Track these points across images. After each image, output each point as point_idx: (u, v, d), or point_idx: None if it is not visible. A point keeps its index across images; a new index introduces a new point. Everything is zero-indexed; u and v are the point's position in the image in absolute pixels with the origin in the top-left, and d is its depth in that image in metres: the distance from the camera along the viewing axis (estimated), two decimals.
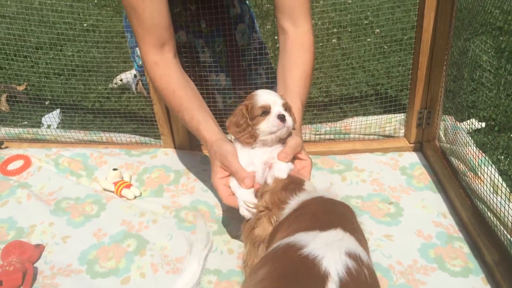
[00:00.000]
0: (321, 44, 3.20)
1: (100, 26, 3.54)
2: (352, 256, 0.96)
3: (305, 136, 2.13)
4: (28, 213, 1.75)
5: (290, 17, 1.65)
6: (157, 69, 1.55)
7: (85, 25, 3.55)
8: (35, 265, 1.53)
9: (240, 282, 1.44)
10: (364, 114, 2.20)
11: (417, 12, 1.84)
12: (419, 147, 2.04)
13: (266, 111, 1.44)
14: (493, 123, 2.19)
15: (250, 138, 1.44)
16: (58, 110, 2.48)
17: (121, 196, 1.82)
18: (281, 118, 1.42)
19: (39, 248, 1.57)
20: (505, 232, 1.44)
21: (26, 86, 2.78)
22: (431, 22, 1.81)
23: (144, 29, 1.51)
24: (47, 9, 3.15)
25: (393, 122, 2.08)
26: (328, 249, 0.95)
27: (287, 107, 1.47)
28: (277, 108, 1.43)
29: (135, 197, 1.82)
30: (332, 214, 1.15)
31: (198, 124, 1.52)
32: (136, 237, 1.64)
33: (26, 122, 2.46)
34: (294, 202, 1.25)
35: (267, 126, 1.43)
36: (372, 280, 0.97)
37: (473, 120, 2.16)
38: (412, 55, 1.93)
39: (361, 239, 1.10)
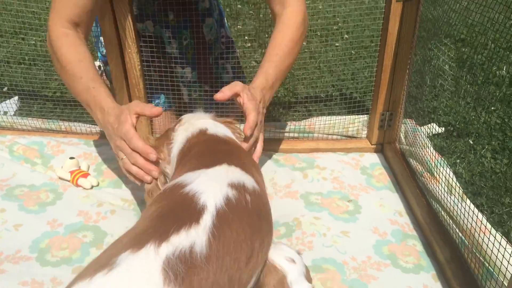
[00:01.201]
0: None
1: None
2: (235, 185, 1.02)
3: (269, 133, 2.14)
4: None
5: (279, 0, 1.66)
6: (66, 39, 1.49)
7: None
8: None
9: None
10: (329, 114, 2.23)
11: (383, 16, 1.88)
12: (380, 149, 2.08)
13: None
14: (451, 129, 2.25)
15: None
16: (16, 98, 2.40)
17: (77, 185, 1.77)
18: None
19: None
20: (458, 231, 1.48)
21: None
22: (395, 26, 1.85)
23: (65, 4, 1.47)
24: None
25: (356, 123, 2.11)
26: (210, 184, 1.01)
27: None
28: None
29: (92, 187, 1.77)
30: (219, 153, 1.21)
31: (100, 93, 1.46)
32: (93, 229, 1.59)
33: None
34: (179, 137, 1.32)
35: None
36: (255, 204, 1.04)
37: (434, 124, 2.22)
38: (377, 57, 1.97)
39: (249, 168, 1.17)
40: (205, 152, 1.24)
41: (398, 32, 1.86)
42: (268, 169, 1.94)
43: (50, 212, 1.65)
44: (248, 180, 1.09)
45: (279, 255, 1.13)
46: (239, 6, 3.79)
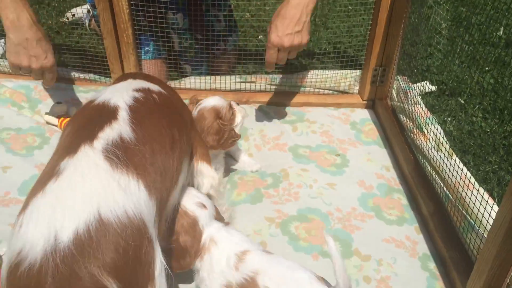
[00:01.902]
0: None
1: None
2: (140, 90, 1.13)
3: (260, 85, 2.11)
4: None
5: None
6: None
7: None
8: None
9: None
10: (321, 69, 2.19)
11: None
12: (371, 105, 2.06)
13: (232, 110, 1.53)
14: (444, 87, 2.23)
15: (234, 138, 1.48)
16: (3, 40, 2.33)
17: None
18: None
19: None
20: (442, 186, 1.49)
21: None
22: None
23: None
24: None
25: (349, 78, 2.09)
26: (116, 93, 1.10)
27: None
28: (229, 102, 1.54)
29: None
30: (126, 76, 1.31)
31: None
32: None
33: None
34: None
35: (242, 117, 1.56)
36: (164, 101, 1.16)
37: (427, 82, 2.20)
38: (373, 10, 1.92)
39: (154, 80, 1.27)
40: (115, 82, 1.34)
41: None
42: (258, 121, 1.93)
43: (38, 156, 1.64)
44: (153, 86, 1.19)
45: (190, 201, 1.17)
46: None
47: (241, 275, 1.07)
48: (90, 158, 0.88)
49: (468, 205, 1.32)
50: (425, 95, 2.15)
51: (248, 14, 2.95)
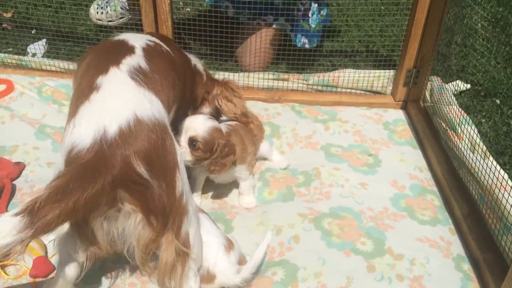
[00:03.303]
0: None
1: None
2: (152, 41, 1.36)
3: (293, 84, 2.13)
4: (11, 133, 1.75)
5: None
6: None
7: None
8: (15, 182, 1.54)
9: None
10: (354, 69, 2.20)
11: None
12: (404, 106, 2.05)
13: None
14: (479, 88, 2.20)
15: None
16: (44, 40, 2.42)
17: None
18: None
19: (19, 166, 1.57)
20: (477, 188, 1.48)
21: (13, 13, 2.70)
22: None
23: None
24: None
25: (382, 78, 2.09)
26: (133, 37, 1.34)
27: None
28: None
29: None
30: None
31: None
32: None
33: (10, 49, 2.40)
34: None
35: None
36: (169, 54, 1.38)
37: (459, 81, 2.17)
38: (409, 10, 1.91)
39: (169, 42, 1.50)
40: None
41: None
42: (290, 120, 1.94)
43: None
44: (163, 44, 1.41)
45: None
46: None
47: None
48: (120, 77, 1.13)
49: (505, 207, 1.31)
50: (459, 96, 2.13)
51: None
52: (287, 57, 2.17)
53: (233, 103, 1.65)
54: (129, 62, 1.18)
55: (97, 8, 2.50)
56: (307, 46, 2.28)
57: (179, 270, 1.10)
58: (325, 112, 1.99)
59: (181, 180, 1.08)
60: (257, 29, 2.22)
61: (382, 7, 3.02)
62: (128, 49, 1.24)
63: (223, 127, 1.55)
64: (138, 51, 1.25)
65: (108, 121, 1.01)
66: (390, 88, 2.10)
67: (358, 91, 2.12)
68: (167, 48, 1.40)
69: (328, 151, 1.77)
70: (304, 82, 2.13)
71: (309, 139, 1.83)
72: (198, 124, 1.42)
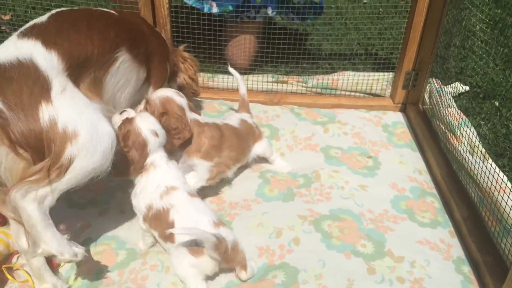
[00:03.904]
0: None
1: None
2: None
3: (292, 87, 2.13)
4: None
5: None
6: None
7: None
8: None
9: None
10: (353, 71, 2.20)
11: None
12: (403, 108, 2.06)
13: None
14: (478, 90, 2.21)
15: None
16: None
17: None
18: None
19: None
20: (476, 190, 1.48)
21: (11, 16, 2.70)
22: None
23: None
24: None
25: (381, 81, 2.09)
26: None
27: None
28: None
29: None
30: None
31: None
32: None
33: None
34: None
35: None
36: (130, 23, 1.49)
37: (457, 83, 2.18)
38: (408, 13, 1.92)
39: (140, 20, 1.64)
40: None
41: None
42: (289, 122, 1.94)
43: None
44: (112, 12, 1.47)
45: (146, 126, 1.36)
46: None
47: (162, 204, 1.29)
48: (11, 39, 1.23)
49: (504, 209, 1.31)
50: (458, 98, 2.13)
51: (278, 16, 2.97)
52: (286, 60, 2.18)
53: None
54: (31, 23, 1.26)
55: None
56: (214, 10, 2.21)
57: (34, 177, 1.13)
58: (324, 115, 2.00)
59: (53, 111, 1.11)
60: (242, 26, 2.23)
61: (380, 10, 3.03)
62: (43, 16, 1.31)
63: (205, 120, 1.58)
64: (49, 14, 1.31)
65: None
66: (389, 90, 2.10)
67: (358, 94, 2.13)
68: (100, 9, 1.48)
69: (328, 153, 1.77)
70: (304, 84, 2.13)
71: (308, 141, 1.84)
72: (157, 92, 1.51)
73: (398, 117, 2.00)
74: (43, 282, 1.22)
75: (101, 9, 1.46)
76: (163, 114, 1.46)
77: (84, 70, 1.26)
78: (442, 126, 1.77)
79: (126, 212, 1.47)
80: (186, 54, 1.79)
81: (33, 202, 1.10)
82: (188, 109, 1.53)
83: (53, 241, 1.11)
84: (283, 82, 2.14)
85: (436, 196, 1.59)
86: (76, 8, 1.44)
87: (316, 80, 2.13)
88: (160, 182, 1.32)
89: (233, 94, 2.11)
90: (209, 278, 1.28)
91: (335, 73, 2.16)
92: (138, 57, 1.46)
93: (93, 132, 1.16)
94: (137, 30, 1.50)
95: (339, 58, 2.50)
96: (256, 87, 2.13)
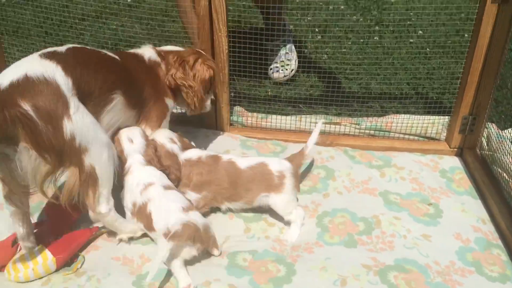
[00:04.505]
0: (362, 40, 3.19)
1: (143, 2, 3.56)
2: (94, 50, 1.66)
3: (345, 128, 2.14)
4: None
5: None
6: None
7: (129, 0, 3.58)
8: None
9: (275, 261, 1.47)
10: (404, 113, 2.20)
11: (475, 16, 1.83)
12: (459, 153, 2.03)
13: None
14: None
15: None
16: None
17: None
18: None
19: None
20: None
21: None
22: (488, 28, 1.80)
23: None
24: None
25: (436, 124, 2.08)
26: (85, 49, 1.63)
27: None
28: None
29: None
30: None
31: None
32: None
33: None
34: None
35: None
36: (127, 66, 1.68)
37: None
38: (465, 59, 1.92)
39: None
40: None
41: (491, 35, 1.81)
42: (344, 165, 1.95)
43: None
44: (106, 52, 1.65)
45: (124, 134, 1.61)
46: None
47: (142, 199, 1.51)
48: (33, 56, 1.42)
49: None
50: None
51: (325, 56, 3.02)
52: (335, 100, 2.19)
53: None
54: (52, 49, 1.47)
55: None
56: None
57: (91, 194, 1.42)
58: (379, 158, 1.99)
59: (72, 128, 1.33)
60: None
61: (427, 49, 3.04)
62: (62, 46, 1.53)
63: (207, 153, 1.70)
64: (67, 47, 1.52)
65: (4, 78, 1.31)
66: (445, 134, 2.09)
67: (411, 136, 2.12)
68: (106, 53, 1.65)
69: (387, 198, 1.76)
70: (356, 126, 2.14)
71: (365, 184, 1.83)
72: (154, 135, 1.70)
73: (455, 162, 1.98)
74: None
75: (108, 54, 1.66)
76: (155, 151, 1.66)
77: (86, 102, 1.45)
78: (504, 174, 1.75)
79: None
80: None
81: (107, 207, 1.45)
82: (181, 151, 1.68)
83: (128, 227, 1.54)
84: (336, 123, 2.16)
85: (502, 248, 1.56)
86: (89, 48, 1.66)
87: (370, 122, 2.14)
88: (139, 181, 1.54)
89: (287, 135, 2.14)
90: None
91: (389, 116, 2.17)
92: (132, 101, 1.65)
93: (100, 144, 1.42)
94: (134, 77, 1.69)
95: (389, 98, 2.51)
96: (309, 128, 2.15)
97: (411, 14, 3.48)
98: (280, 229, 1.64)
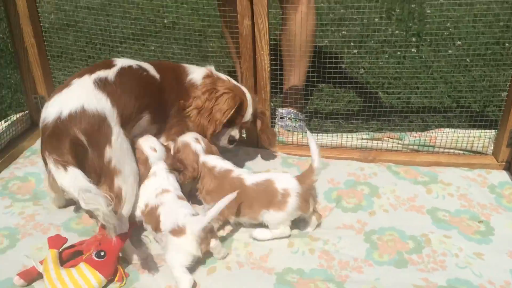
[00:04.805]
0: (399, 53, 3.16)
1: (179, 23, 3.65)
2: (136, 66, 1.81)
3: (387, 144, 2.12)
4: None
5: None
6: None
7: (165, 21, 3.68)
8: None
9: (324, 280, 1.46)
10: (448, 127, 2.16)
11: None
12: (507, 167, 1.98)
13: None
14: None
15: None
16: None
17: None
18: None
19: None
20: None
21: None
22: None
23: None
24: (129, 4, 3.29)
25: (482, 138, 2.03)
26: (124, 60, 1.79)
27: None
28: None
29: None
30: None
31: None
32: None
33: None
34: None
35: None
36: (146, 78, 1.81)
37: None
38: (511, 70, 1.88)
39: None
40: None
41: None
42: (388, 181, 1.93)
43: None
44: (151, 70, 1.82)
45: (145, 144, 1.75)
46: (342, 10, 3.77)
47: (155, 202, 1.62)
48: (85, 81, 1.63)
49: None
50: None
51: (362, 69, 3.01)
52: (376, 115, 2.18)
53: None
54: (100, 74, 1.65)
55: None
56: None
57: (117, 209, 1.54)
58: (424, 174, 1.96)
59: (111, 153, 1.55)
60: None
61: (467, 59, 2.98)
62: (107, 65, 1.72)
63: (216, 162, 1.73)
64: (115, 69, 1.70)
65: (64, 107, 1.54)
66: (492, 148, 2.03)
67: (456, 151, 2.07)
68: (148, 73, 1.80)
69: (435, 215, 1.73)
70: (399, 142, 2.11)
71: (412, 201, 1.81)
72: (181, 137, 1.81)
73: (504, 176, 1.93)
74: None
75: (150, 73, 1.81)
76: (177, 151, 1.78)
77: (124, 125, 1.65)
78: None
79: None
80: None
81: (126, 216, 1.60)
82: (204, 153, 1.75)
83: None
84: (378, 139, 2.14)
85: None
86: (135, 66, 1.78)
87: (413, 137, 2.11)
88: (158, 186, 1.66)
89: (328, 151, 2.13)
90: None
91: (433, 130, 2.13)
92: (157, 118, 1.81)
93: (130, 168, 1.62)
94: (166, 97, 1.83)
95: (430, 111, 2.47)
96: (350, 144, 2.14)
97: (448, 24, 3.43)
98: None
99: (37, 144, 2.20)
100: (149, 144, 1.76)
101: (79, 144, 1.50)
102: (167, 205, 1.60)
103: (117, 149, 1.57)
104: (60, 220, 1.75)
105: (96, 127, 1.54)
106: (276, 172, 1.89)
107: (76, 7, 3.25)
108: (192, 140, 1.78)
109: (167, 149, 1.80)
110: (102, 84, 1.63)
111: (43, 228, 1.72)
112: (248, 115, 1.90)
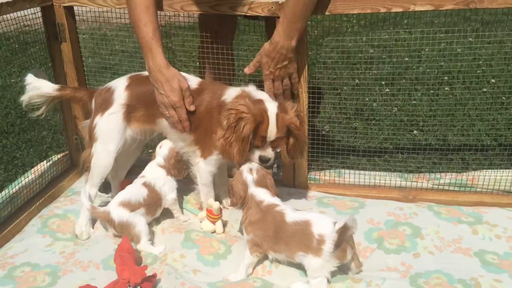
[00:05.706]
0: (432, 91, 3.15)
1: None
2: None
3: (422, 184, 2.07)
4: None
5: None
6: None
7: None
8: None
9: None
10: (488, 165, 2.11)
11: None
12: None
13: None
14: None
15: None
16: None
17: None
18: None
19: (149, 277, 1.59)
20: None
21: None
22: None
23: None
24: None
25: None
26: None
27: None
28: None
29: None
30: None
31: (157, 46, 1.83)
32: None
33: None
34: None
35: None
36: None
37: None
38: None
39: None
40: None
41: None
42: (430, 222, 1.87)
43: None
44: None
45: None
46: (371, 50, 3.80)
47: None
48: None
49: None
50: None
51: (395, 108, 2.99)
52: (412, 152, 2.14)
53: None
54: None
55: None
56: None
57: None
58: (468, 214, 1.90)
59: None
60: None
61: (503, 97, 2.94)
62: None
63: (265, 197, 1.70)
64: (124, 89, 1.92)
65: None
66: None
67: (500, 192, 2.01)
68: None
69: (483, 258, 1.66)
70: (439, 181, 2.07)
71: (457, 243, 1.74)
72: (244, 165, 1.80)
73: None
74: None
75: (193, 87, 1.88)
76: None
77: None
78: None
79: None
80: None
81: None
82: (253, 185, 1.72)
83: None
84: (412, 181, 2.10)
85: None
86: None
87: (453, 178, 2.06)
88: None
89: (366, 190, 2.10)
90: None
91: (475, 171, 2.08)
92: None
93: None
94: (202, 112, 1.88)
95: (469, 150, 2.41)
96: (389, 183, 2.11)
97: (480, 62, 3.41)
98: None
99: (77, 184, 2.24)
100: (161, 143, 2.00)
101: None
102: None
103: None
104: (100, 257, 1.75)
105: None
106: (315, 213, 1.79)
107: (111, 51, 3.37)
108: (246, 169, 1.76)
109: (173, 153, 1.96)
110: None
111: (82, 265, 1.72)
112: (272, 134, 1.76)
